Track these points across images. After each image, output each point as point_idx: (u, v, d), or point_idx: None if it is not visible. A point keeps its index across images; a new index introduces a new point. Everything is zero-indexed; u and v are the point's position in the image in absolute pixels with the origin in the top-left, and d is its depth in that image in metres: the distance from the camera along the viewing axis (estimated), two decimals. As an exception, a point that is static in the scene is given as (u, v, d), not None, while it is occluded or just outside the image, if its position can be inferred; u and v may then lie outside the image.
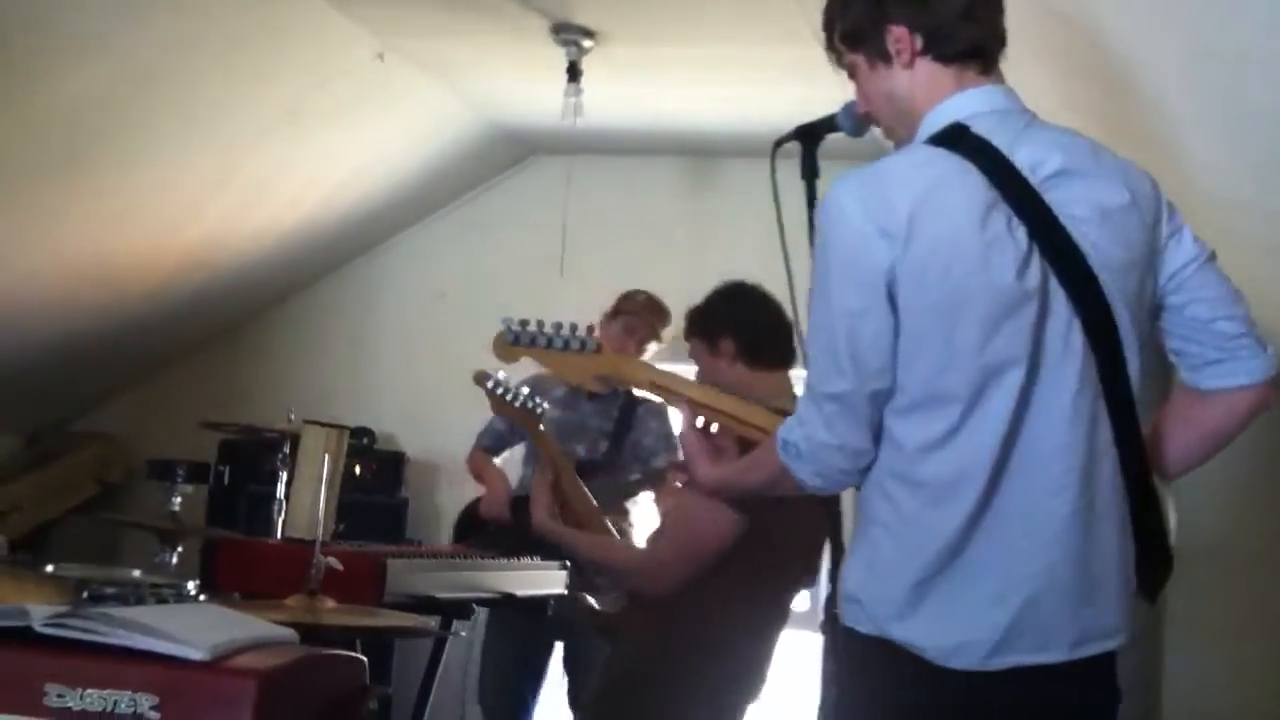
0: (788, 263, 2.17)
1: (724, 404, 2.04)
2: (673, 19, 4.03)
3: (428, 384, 5.43)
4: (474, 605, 3.46)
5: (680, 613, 2.74)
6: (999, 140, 1.76)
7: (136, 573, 2.90)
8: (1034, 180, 1.75)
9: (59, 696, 1.58)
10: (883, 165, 1.78)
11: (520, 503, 4.07)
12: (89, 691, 1.58)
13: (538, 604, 3.82)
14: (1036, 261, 1.72)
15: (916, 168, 1.76)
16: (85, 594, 2.41)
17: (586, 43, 4.19)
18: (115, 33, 3.60)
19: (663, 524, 3.01)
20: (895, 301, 1.71)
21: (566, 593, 3.90)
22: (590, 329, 2.17)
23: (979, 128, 1.77)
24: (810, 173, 2.18)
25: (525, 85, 4.70)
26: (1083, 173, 1.79)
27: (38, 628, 1.65)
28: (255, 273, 5.42)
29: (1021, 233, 1.72)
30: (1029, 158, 1.75)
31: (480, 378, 3.62)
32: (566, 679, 4.27)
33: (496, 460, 4.34)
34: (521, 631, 4.03)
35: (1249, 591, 4.84)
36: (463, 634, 3.47)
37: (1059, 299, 1.75)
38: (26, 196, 4.13)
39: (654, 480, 4.19)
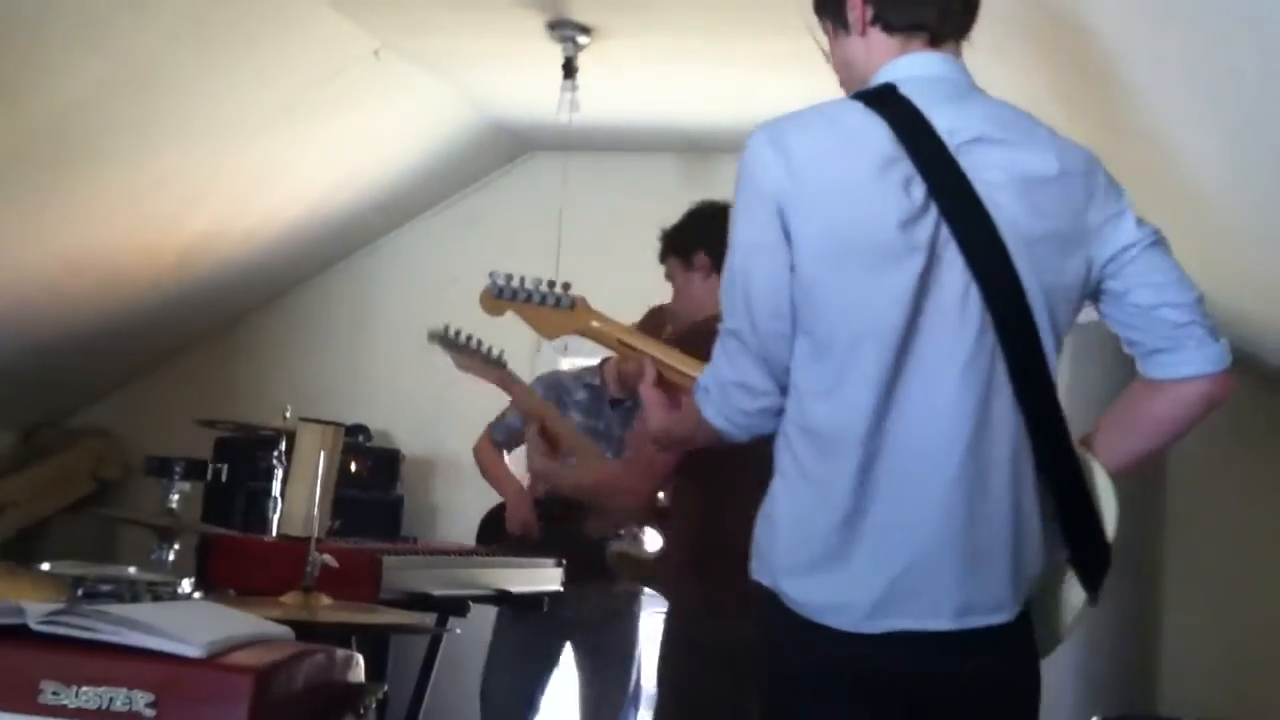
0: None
1: (689, 366, 2.06)
2: (669, 15, 4.03)
3: (423, 381, 5.42)
4: (469, 602, 3.46)
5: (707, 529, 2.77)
6: (921, 101, 1.78)
7: (132, 570, 2.89)
8: (950, 143, 1.76)
9: (54, 694, 1.58)
10: (798, 111, 1.82)
11: (542, 506, 4.00)
12: (84, 689, 1.58)
13: (533, 600, 3.82)
14: (931, 220, 1.73)
15: (824, 116, 1.80)
16: (81, 591, 2.41)
17: (582, 39, 4.19)
18: (113, 29, 3.60)
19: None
20: (790, 240, 1.75)
21: (562, 589, 3.90)
22: (565, 285, 2.19)
23: (905, 89, 1.80)
24: None
25: (521, 81, 4.70)
26: (1007, 141, 1.79)
27: (33, 625, 1.65)
28: (251, 269, 5.41)
29: (920, 190, 1.73)
30: (949, 122, 1.77)
31: (433, 335, 3.57)
32: (581, 683, 4.19)
33: (505, 457, 4.24)
34: (529, 630, 4.01)
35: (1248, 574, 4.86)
36: (458, 631, 3.47)
37: (954, 263, 1.73)
38: (23, 191, 4.12)
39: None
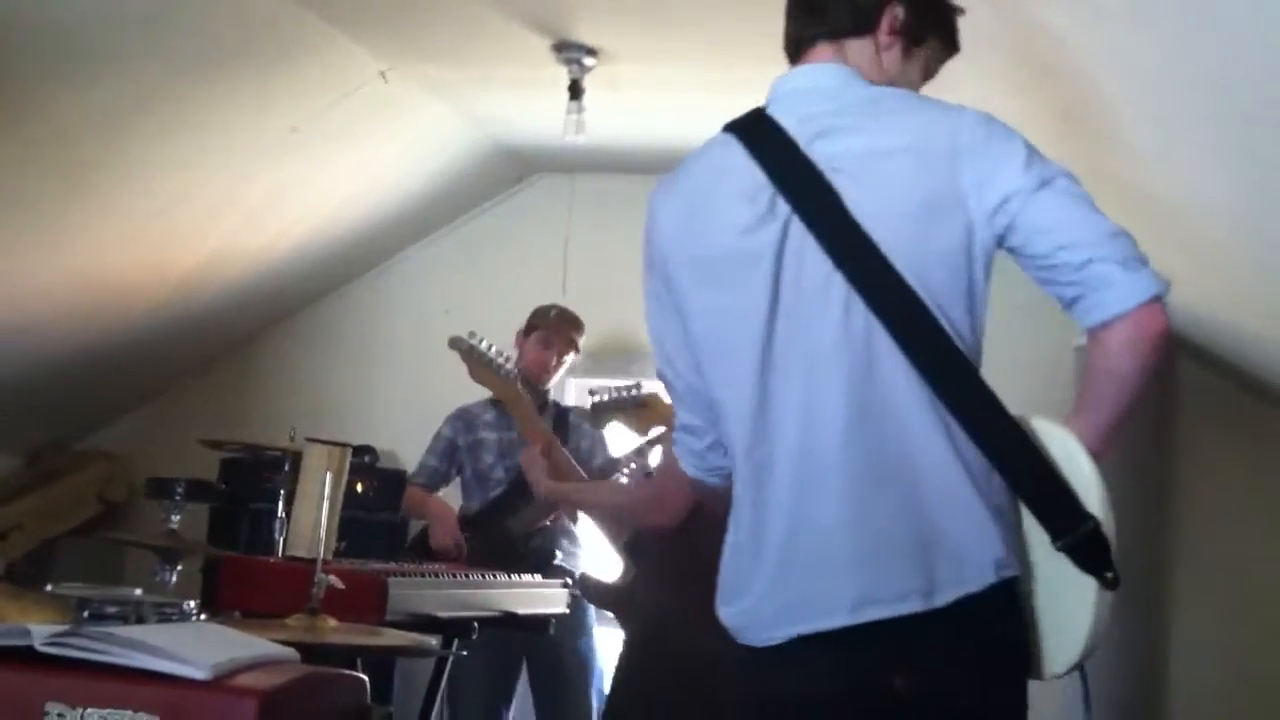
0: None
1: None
2: (674, 37, 4.04)
3: (429, 401, 5.41)
4: (475, 624, 3.46)
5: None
6: (781, 111, 1.85)
7: (138, 591, 2.89)
8: (801, 143, 1.79)
9: (59, 715, 1.59)
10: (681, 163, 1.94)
11: (470, 522, 4.20)
12: (90, 710, 1.58)
13: (539, 623, 3.82)
14: (779, 223, 1.77)
15: (688, 161, 1.92)
16: (86, 613, 2.41)
17: (589, 61, 4.20)
18: (123, 54, 3.62)
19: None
20: (673, 289, 1.87)
21: (568, 610, 3.92)
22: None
23: (772, 107, 1.88)
24: None
25: (527, 103, 4.71)
26: (855, 127, 1.79)
27: (39, 647, 1.65)
28: (259, 291, 5.43)
29: (766, 196, 1.78)
30: (800, 125, 1.81)
31: (456, 342, 3.71)
32: (535, 696, 4.32)
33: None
34: (489, 650, 4.02)
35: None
36: (464, 654, 3.47)
37: (814, 254, 1.74)
38: (32, 216, 4.14)
39: (601, 479, 4.25)
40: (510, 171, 5.62)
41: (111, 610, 2.49)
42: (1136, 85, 2.67)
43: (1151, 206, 3.11)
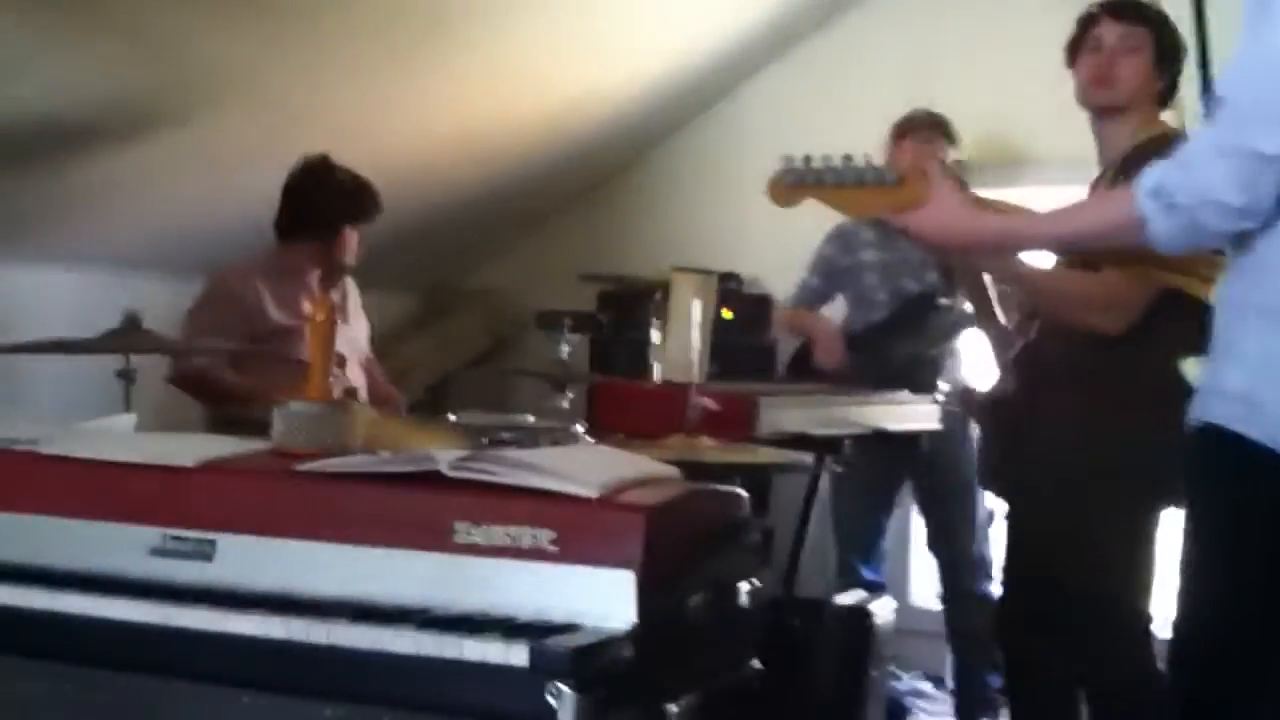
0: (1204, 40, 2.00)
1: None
2: None
3: (789, 225, 5.38)
4: (845, 441, 3.50)
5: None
6: None
7: (530, 418, 3.08)
8: None
9: (467, 533, 1.71)
10: None
11: (854, 340, 4.10)
12: (494, 528, 1.69)
13: (909, 439, 3.83)
14: None
15: None
16: (485, 440, 2.59)
17: None
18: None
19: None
20: None
21: (941, 426, 3.90)
22: (866, 160, 2.07)
23: None
24: None
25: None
26: None
27: (445, 470, 1.77)
28: (618, 129, 5.53)
29: None
30: None
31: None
32: (921, 510, 4.29)
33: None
34: (872, 465, 4.06)
35: None
36: (837, 469, 3.52)
37: None
38: (406, 66, 4.36)
39: None
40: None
41: (507, 436, 2.67)
42: None
43: None
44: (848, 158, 2.04)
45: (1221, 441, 1.70)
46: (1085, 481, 2.81)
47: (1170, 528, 2.74)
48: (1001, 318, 3.23)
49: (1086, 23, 2.99)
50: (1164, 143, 2.72)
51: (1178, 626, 1.83)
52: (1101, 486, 2.79)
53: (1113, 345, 2.76)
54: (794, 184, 2.07)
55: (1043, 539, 2.93)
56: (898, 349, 4.05)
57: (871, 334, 4.18)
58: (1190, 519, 1.81)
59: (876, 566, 4.36)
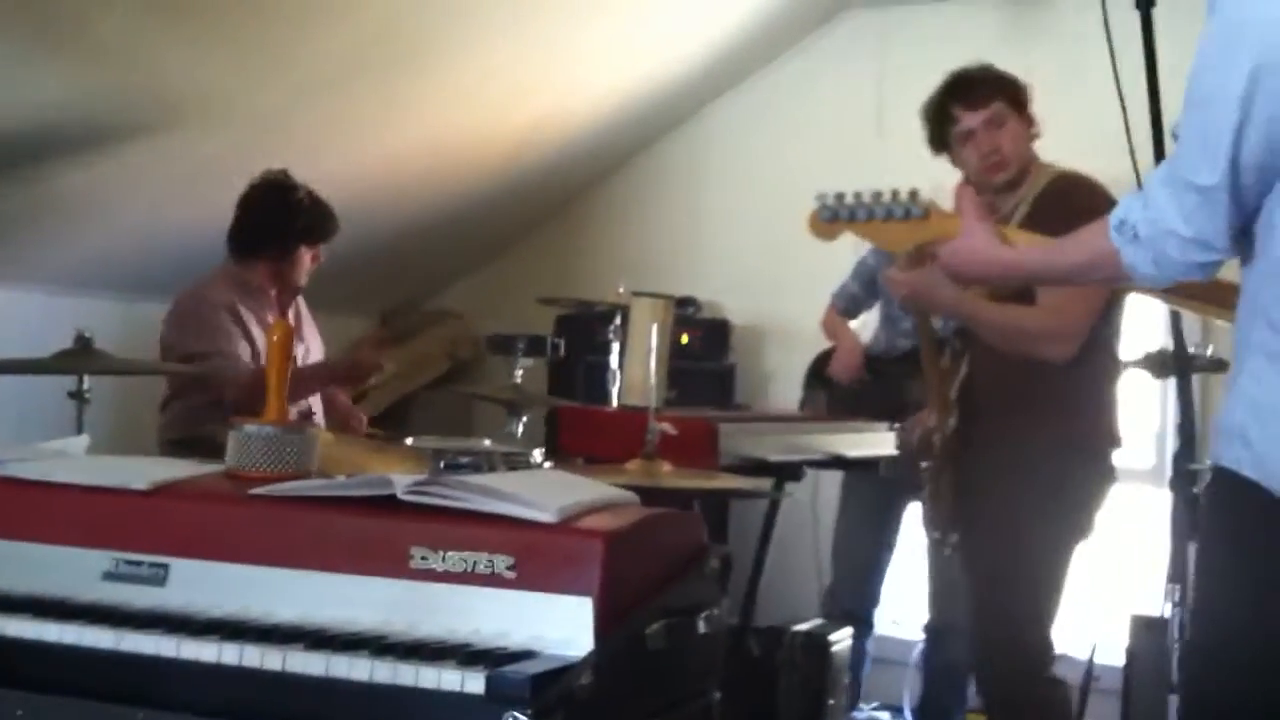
0: (1124, 106, 2.07)
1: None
2: None
3: (748, 249, 5.46)
4: (804, 467, 3.51)
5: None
6: None
7: (487, 442, 3.06)
8: None
9: (423, 558, 1.69)
10: None
11: (874, 362, 4.16)
12: (449, 553, 1.68)
13: (867, 465, 3.84)
14: None
15: None
16: (442, 464, 2.57)
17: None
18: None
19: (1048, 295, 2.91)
20: None
21: (899, 453, 3.91)
22: (913, 193, 2.08)
23: None
24: (1146, 1, 2.06)
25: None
26: None
27: (401, 495, 1.76)
28: (581, 149, 5.54)
29: None
30: None
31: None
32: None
33: (852, 324, 4.44)
34: (872, 493, 4.09)
35: None
36: (795, 495, 3.53)
37: None
38: (363, 91, 4.34)
39: None
40: (818, 9, 5.47)
41: (465, 460, 2.65)
42: None
43: None
44: (878, 193, 2.05)
45: (1220, 476, 1.71)
46: (1015, 516, 2.91)
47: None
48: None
49: (941, 118, 3.05)
50: (1062, 182, 2.92)
51: (1186, 663, 1.84)
52: (1030, 522, 2.90)
53: (1041, 376, 2.86)
54: (829, 220, 2.08)
55: (981, 568, 3.00)
56: (912, 388, 4.01)
57: (892, 365, 4.21)
58: (1198, 554, 1.82)
59: (868, 607, 4.32)
